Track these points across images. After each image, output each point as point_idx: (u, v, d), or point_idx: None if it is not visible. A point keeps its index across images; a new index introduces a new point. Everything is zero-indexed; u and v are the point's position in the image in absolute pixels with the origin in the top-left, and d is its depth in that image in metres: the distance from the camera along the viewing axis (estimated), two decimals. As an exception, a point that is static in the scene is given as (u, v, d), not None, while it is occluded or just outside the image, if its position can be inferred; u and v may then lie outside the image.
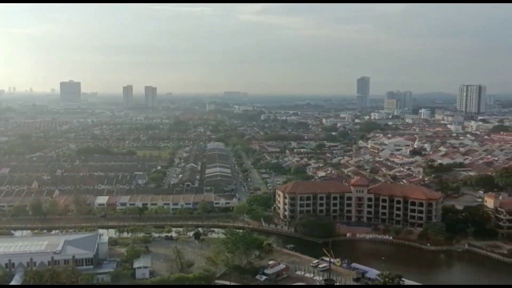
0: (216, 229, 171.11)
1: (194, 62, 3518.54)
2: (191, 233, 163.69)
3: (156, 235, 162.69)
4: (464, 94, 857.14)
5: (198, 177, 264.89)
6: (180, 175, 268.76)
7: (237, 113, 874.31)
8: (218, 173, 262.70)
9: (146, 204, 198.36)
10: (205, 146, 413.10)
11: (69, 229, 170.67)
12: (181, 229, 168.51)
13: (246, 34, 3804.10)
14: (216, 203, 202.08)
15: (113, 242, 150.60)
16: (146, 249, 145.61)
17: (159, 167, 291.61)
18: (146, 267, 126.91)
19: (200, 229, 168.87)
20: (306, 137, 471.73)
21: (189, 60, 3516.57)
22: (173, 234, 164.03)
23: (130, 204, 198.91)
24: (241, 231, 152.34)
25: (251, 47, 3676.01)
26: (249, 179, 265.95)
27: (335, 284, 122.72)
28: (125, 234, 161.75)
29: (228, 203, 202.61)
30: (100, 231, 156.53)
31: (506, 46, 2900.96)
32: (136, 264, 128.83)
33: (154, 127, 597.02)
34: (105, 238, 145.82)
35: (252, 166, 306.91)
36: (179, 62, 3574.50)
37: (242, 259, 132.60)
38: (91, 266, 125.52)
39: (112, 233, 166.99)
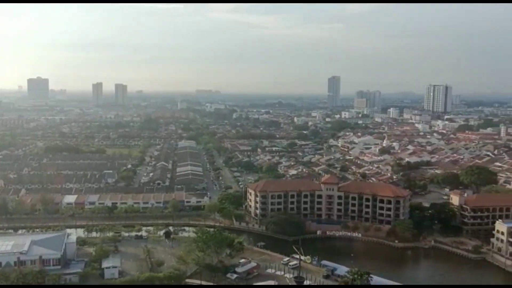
0: (187, 228, 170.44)
1: (166, 59, 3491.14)
2: (161, 232, 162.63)
3: (126, 234, 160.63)
4: (431, 94, 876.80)
5: (169, 175, 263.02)
6: (151, 174, 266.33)
7: (209, 112, 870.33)
8: (190, 171, 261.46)
9: (116, 203, 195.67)
10: (177, 144, 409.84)
11: (36, 228, 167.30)
12: (151, 228, 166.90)
13: (218, 33, 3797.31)
14: (187, 202, 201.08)
15: (81, 242, 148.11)
16: (116, 248, 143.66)
17: (129, 166, 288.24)
18: (115, 267, 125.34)
19: (170, 228, 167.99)
20: (277, 136, 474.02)
21: (160, 58, 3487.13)
22: (143, 233, 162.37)
23: (99, 203, 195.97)
24: (212, 229, 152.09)
25: (223, 45, 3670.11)
26: (220, 178, 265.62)
27: (305, 281, 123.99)
28: (93, 234, 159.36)
29: (199, 201, 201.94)
30: (68, 230, 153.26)
31: (471, 47, 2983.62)
32: (105, 264, 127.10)
33: (124, 125, 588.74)
34: (73, 238, 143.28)
35: (224, 165, 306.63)
36: (150, 59, 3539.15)
37: (213, 257, 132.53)
38: (59, 267, 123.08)
39: (81, 232, 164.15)
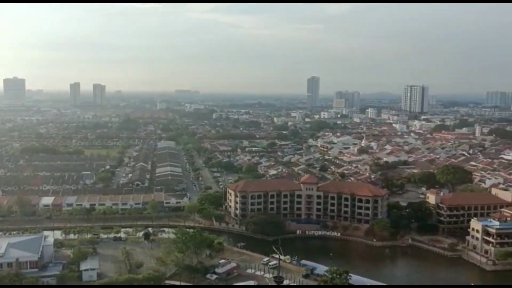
0: (166, 229, 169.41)
1: (145, 59, 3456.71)
2: (140, 234, 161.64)
3: (104, 236, 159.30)
4: (409, 94, 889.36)
5: (148, 176, 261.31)
6: (130, 175, 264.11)
7: (188, 112, 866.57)
8: (169, 172, 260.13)
9: (94, 204, 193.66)
10: (156, 145, 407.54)
11: (12, 231, 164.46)
12: (130, 230, 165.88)
13: (198, 33, 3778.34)
14: (166, 203, 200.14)
15: (59, 244, 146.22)
16: (94, 250, 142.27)
17: (107, 167, 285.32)
18: (94, 269, 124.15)
19: (150, 229, 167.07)
20: (257, 136, 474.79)
21: (139, 58, 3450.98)
22: (122, 235, 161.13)
23: (77, 205, 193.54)
24: (191, 230, 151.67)
25: (202, 45, 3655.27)
26: (200, 178, 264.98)
27: (284, 281, 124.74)
28: (71, 236, 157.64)
29: (179, 202, 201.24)
30: (45, 233, 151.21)
31: (447, 49, 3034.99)
32: (83, 266, 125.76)
33: (102, 125, 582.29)
34: (50, 240, 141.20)
35: (204, 165, 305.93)
36: (129, 59, 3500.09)
37: (193, 258, 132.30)
38: (36, 269, 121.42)
39: (58, 235, 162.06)
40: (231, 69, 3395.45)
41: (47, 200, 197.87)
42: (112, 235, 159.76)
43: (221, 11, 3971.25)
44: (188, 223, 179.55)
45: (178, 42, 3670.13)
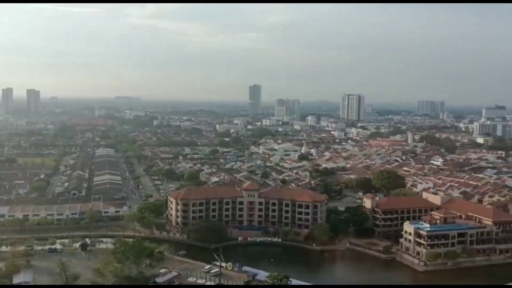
0: (105, 239, 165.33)
1: (82, 65, 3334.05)
2: (77, 245, 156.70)
3: (39, 248, 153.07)
4: (346, 102, 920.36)
5: (85, 185, 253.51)
6: (66, 184, 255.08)
7: (128, 119, 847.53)
8: (108, 180, 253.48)
9: (27, 215, 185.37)
10: (94, 152, 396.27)
11: None
12: (66, 241, 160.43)
13: (138, 38, 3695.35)
14: (105, 212, 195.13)
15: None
16: (28, 263, 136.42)
17: (42, 176, 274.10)
18: (27, 283, 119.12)
19: (87, 239, 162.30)
20: (199, 143, 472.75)
21: (76, 63, 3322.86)
22: (58, 246, 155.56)
23: (9, 216, 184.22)
24: (131, 240, 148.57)
25: (143, 51, 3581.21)
26: (140, 186, 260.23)
27: None
28: (3, 248, 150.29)
29: (118, 211, 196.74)
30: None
31: (383, 60, 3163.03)
32: (16, 280, 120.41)
33: (37, 133, 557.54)
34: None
35: (144, 173, 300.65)
36: (65, 64, 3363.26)
37: (132, 269, 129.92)
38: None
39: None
40: (173, 75, 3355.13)
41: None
42: (47, 247, 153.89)
43: (162, 17, 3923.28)
44: (128, 232, 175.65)
45: (117, 48, 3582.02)
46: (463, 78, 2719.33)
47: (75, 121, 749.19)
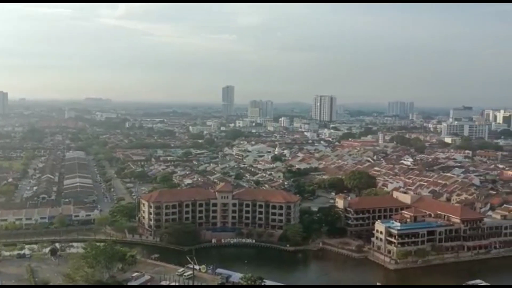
0: (75, 244, 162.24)
1: (52, 66, 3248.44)
2: (47, 250, 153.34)
3: (7, 253, 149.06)
4: (318, 103, 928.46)
5: (55, 189, 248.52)
6: (35, 187, 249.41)
7: (99, 121, 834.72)
8: (78, 184, 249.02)
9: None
10: (64, 155, 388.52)
11: None
12: (35, 246, 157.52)
13: (109, 39, 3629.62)
14: (75, 216, 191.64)
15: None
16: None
17: (10, 179, 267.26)
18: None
19: (57, 244, 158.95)
20: (172, 145, 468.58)
21: (46, 64, 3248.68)
22: (27, 252, 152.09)
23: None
24: (102, 244, 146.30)
25: (115, 52, 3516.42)
26: (112, 189, 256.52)
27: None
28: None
29: (89, 215, 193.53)
30: None
31: (354, 62, 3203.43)
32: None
33: (4, 135, 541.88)
34: None
35: (116, 176, 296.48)
36: (34, 65, 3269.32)
37: (104, 273, 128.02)
38: None
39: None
40: (145, 77, 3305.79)
41: None
42: (15, 252, 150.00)
43: (133, 18, 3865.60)
44: (99, 236, 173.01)
45: (88, 49, 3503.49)
46: (432, 80, 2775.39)
47: (44, 123, 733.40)
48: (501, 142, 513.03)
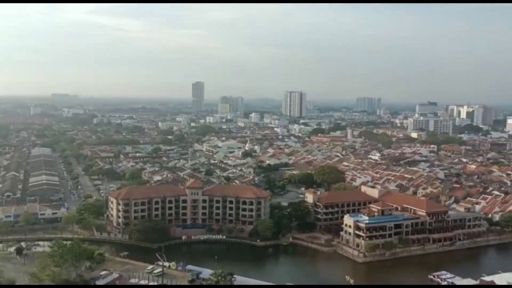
0: (41, 243, 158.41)
1: (16, 61, 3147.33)
2: (12, 249, 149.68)
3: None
4: (288, 100, 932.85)
5: (20, 186, 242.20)
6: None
7: (66, 117, 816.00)
8: (44, 181, 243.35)
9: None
10: (29, 152, 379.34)
11: None
12: (0, 245, 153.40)
13: (78, 34, 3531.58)
14: (41, 214, 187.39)
15: None
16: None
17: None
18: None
19: (22, 243, 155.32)
20: (141, 141, 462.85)
21: (9, 60, 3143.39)
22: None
23: None
24: (69, 242, 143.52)
25: (83, 47, 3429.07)
26: (79, 187, 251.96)
27: None
28: None
29: (55, 213, 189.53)
30: None
31: (322, 58, 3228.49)
32: None
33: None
34: None
35: (83, 173, 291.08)
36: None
37: (71, 272, 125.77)
38: None
39: None
40: (113, 72, 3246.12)
41: None
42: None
43: (102, 13, 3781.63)
44: (66, 234, 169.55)
45: (54, 44, 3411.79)
46: (398, 76, 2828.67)
47: (9, 119, 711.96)
48: (464, 137, 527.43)
